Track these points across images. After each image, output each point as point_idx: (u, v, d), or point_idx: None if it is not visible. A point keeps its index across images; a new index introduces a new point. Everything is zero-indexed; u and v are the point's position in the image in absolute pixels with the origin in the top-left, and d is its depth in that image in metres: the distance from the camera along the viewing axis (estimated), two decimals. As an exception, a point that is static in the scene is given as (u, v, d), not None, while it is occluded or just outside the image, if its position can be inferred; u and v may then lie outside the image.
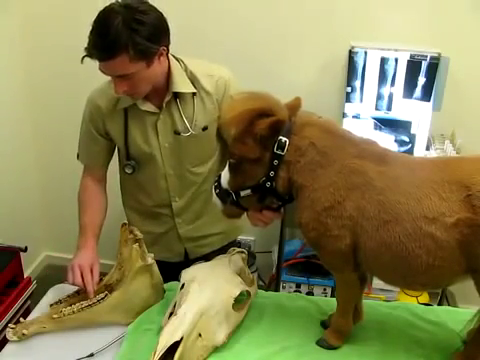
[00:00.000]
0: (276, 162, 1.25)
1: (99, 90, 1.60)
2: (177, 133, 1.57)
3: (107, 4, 1.39)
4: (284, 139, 1.24)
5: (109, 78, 1.60)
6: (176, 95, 1.55)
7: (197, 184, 1.67)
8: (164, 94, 1.54)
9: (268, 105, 1.25)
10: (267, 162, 1.26)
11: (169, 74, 1.53)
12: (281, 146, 1.24)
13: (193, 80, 1.56)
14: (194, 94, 1.56)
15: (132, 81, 1.41)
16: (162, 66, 1.48)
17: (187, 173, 1.65)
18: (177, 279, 1.50)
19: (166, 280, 1.54)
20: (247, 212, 1.42)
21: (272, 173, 1.26)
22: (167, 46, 1.45)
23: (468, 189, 1.13)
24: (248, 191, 1.30)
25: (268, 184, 1.27)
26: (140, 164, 1.63)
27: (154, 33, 1.38)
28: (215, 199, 1.37)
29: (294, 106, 1.31)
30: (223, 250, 1.70)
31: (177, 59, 1.57)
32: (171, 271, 1.58)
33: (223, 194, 1.35)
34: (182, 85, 1.54)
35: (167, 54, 1.49)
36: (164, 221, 1.73)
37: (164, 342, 1.21)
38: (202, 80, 1.57)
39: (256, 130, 1.23)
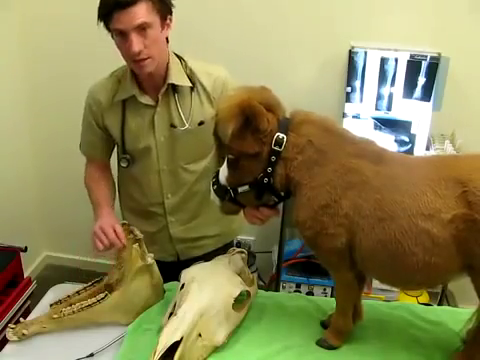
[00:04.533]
0: (274, 158, 1.26)
1: (99, 84, 1.63)
2: (173, 126, 1.58)
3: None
4: (281, 135, 1.25)
5: (108, 74, 1.62)
6: (174, 89, 1.57)
7: (190, 182, 1.68)
8: (162, 87, 1.56)
9: (263, 99, 1.26)
10: (265, 158, 1.27)
11: (167, 68, 1.55)
12: (279, 142, 1.25)
13: (191, 76, 1.59)
14: (192, 89, 1.58)
15: (148, 39, 1.42)
16: (167, 46, 1.53)
17: (180, 170, 1.65)
18: (172, 279, 1.49)
19: (163, 280, 1.54)
20: (244, 210, 1.42)
21: (269, 169, 1.27)
22: (171, 19, 1.49)
23: (464, 185, 1.13)
24: (246, 187, 1.31)
25: (265, 180, 1.28)
26: (135, 158, 1.65)
27: None
28: (213, 196, 1.38)
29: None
30: (216, 253, 1.70)
31: (178, 56, 1.60)
32: (165, 271, 1.57)
33: (221, 191, 1.35)
34: (179, 78, 1.56)
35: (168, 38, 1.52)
36: (157, 220, 1.73)
37: (164, 342, 1.21)
38: (200, 77, 1.59)
39: (255, 124, 1.23)
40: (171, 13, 1.49)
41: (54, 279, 1.74)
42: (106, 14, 1.40)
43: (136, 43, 1.41)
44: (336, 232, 1.22)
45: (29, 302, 2.14)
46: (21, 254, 2.22)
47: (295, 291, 2.50)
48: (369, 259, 1.24)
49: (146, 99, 1.57)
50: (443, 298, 2.40)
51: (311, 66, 2.42)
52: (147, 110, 1.58)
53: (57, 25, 2.56)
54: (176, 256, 1.78)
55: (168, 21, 1.48)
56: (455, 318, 1.48)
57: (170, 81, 1.55)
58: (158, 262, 1.54)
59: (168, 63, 1.55)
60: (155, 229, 1.74)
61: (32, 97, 2.74)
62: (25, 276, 2.29)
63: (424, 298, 2.48)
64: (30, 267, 2.93)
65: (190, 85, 1.57)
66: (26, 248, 2.21)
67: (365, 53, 2.18)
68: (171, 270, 1.57)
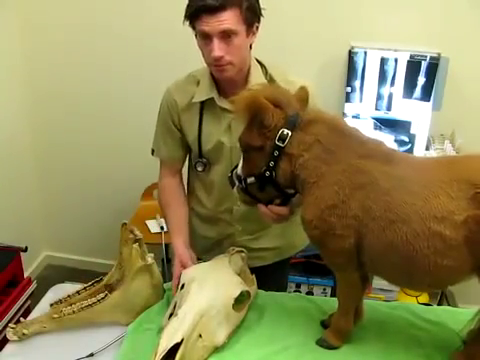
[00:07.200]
0: (276, 153, 1.27)
1: (175, 85, 1.62)
2: None
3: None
4: (286, 131, 1.25)
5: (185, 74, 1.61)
6: None
7: None
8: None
9: (272, 95, 1.27)
10: (268, 152, 1.28)
11: (248, 73, 1.55)
12: (282, 138, 1.25)
13: (271, 83, 1.56)
14: None
15: (231, 46, 1.42)
16: (249, 52, 1.52)
17: None
18: None
19: None
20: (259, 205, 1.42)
21: (272, 163, 1.28)
22: (258, 27, 1.49)
23: (476, 187, 1.13)
24: (252, 179, 1.33)
25: (267, 173, 1.29)
26: (211, 162, 1.63)
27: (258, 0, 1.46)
28: (230, 185, 1.42)
29: (301, 97, 1.32)
30: (272, 267, 1.71)
31: (259, 62, 1.59)
32: None
33: (234, 179, 1.39)
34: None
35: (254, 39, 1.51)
36: (222, 227, 1.71)
37: (165, 344, 1.20)
38: (280, 84, 1.55)
39: (260, 119, 1.25)
40: (259, 21, 1.48)
41: (54, 279, 1.74)
42: (193, 14, 1.40)
43: (218, 48, 1.41)
44: (344, 233, 1.22)
45: (29, 302, 2.14)
46: (21, 254, 2.22)
47: (295, 291, 2.51)
48: (379, 261, 1.24)
49: (225, 103, 1.55)
50: (443, 298, 2.40)
51: (311, 66, 2.42)
52: (225, 114, 1.56)
53: (59, 27, 2.56)
54: None
55: (254, 29, 1.48)
56: (455, 318, 1.47)
57: (250, 87, 1.51)
58: None
59: (249, 68, 1.54)
60: (220, 236, 1.73)
61: (33, 98, 2.74)
62: (25, 276, 2.29)
63: (424, 298, 2.48)
64: (30, 267, 2.94)
65: None
66: (26, 248, 2.21)
67: (365, 53, 2.19)
68: None
